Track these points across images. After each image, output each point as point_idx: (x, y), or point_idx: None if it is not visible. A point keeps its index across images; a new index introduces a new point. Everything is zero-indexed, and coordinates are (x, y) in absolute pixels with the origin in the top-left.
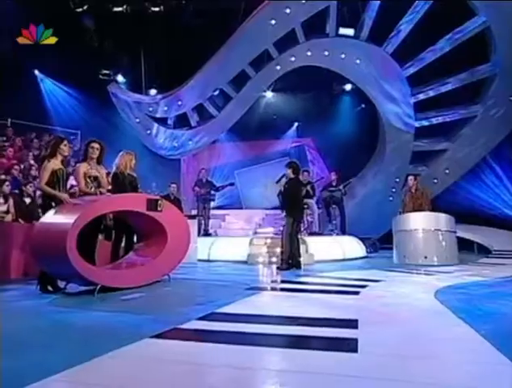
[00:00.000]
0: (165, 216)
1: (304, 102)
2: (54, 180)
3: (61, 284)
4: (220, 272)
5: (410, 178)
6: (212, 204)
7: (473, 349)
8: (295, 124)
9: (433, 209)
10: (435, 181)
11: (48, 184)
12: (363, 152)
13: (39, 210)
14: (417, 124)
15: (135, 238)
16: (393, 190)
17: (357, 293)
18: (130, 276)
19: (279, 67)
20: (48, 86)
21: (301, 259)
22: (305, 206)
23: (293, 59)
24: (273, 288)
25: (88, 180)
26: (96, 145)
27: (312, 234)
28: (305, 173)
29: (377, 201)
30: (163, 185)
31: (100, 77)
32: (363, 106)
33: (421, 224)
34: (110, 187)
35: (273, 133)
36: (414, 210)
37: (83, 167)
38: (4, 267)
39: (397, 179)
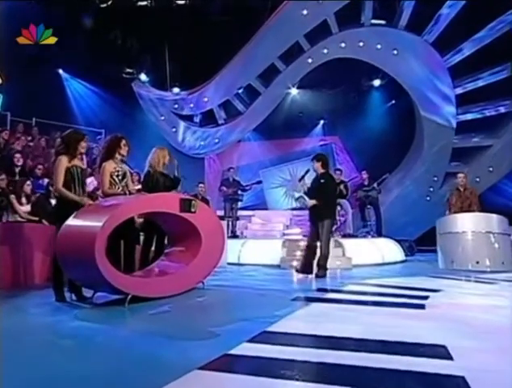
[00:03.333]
0: (199, 217)
1: (331, 99)
2: (68, 179)
3: (86, 291)
4: (255, 278)
5: (460, 175)
6: (240, 204)
7: None
8: (321, 121)
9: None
10: (477, 179)
11: (63, 185)
12: (394, 150)
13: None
14: (458, 119)
15: (165, 242)
16: (431, 189)
17: (421, 306)
18: (163, 284)
19: (310, 60)
20: (73, 86)
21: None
22: (338, 207)
23: (326, 51)
24: (322, 300)
25: (116, 179)
26: (127, 142)
27: (344, 235)
28: (337, 172)
29: (412, 201)
30: (187, 184)
31: (124, 76)
32: (393, 102)
33: (470, 225)
34: (137, 187)
35: (299, 131)
36: (463, 211)
37: (110, 166)
38: (27, 272)
39: (435, 178)
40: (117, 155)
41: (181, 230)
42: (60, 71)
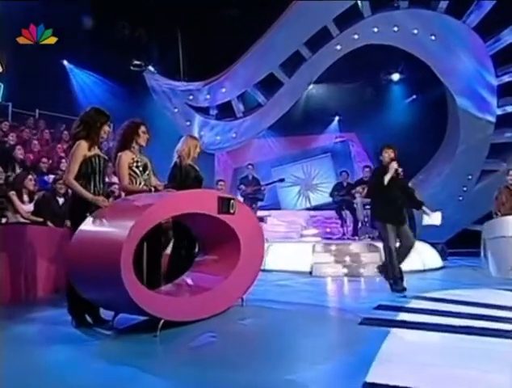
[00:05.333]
0: (238, 219)
1: (348, 93)
2: (88, 171)
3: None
4: (293, 290)
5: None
6: (259, 203)
7: None
8: (337, 117)
9: None
10: None
11: (80, 177)
12: (416, 148)
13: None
14: (499, 112)
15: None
16: (464, 189)
17: None
18: (200, 304)
19: (339, 47)
20: (78, 76)
21: None
22: (367, 206)
23: (356, 37)
24: (399, 323)
25: (137, 171)
26: (146, 129)
27: (373, 238)
28: (366, 169)
29: (442, 201)
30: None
31: (131, 68)
32: (415, 96)
33: None
34: (160, 183)
35: (313, 128)
36: None
37: (127, 156)
38: (29, 282)
39: (470, 177)
40: (134, 144)
41: (215, 235)
42: (65, 62)
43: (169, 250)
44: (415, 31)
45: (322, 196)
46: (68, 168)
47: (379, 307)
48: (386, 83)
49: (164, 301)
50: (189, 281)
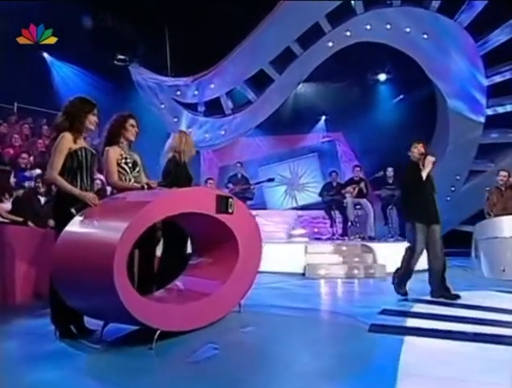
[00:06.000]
0: (235, 219)
1: (335, 93)
2: (74, 165)
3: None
4: (289, 292)
5: (503, 174)
6: (248, 202)
7: None
8: (324, 117)
9: None
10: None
11: (65, 172)
12: (403, 148)
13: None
14: (489, 112)
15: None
16: (452, 189)
17: None
18: (199, 312)
19: (331, 43)
20: (61, 69)
21: None
22: (358, 206)
23: (348, 34)
24: (411, 330)
25: (126, 168)
26: (136, 123)
27: (363, 238)
28: (357, 168)
29: None
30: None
31: (115, 62)
32: (402, 96)
33: None
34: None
35: (300, 127)
36: (507, 212)
37: (115, 152)
38: (7, 286)
39: (458, 177)
40: (122, 139)
41: (211, 235)
42: (45, 54)
43: (158, 251)
44: (407, 30)
45: (309, 195)
46: (51, 163)
47: (384, 312)
48: (373, 83)
49: (160, 310)
50: (184, 286)
